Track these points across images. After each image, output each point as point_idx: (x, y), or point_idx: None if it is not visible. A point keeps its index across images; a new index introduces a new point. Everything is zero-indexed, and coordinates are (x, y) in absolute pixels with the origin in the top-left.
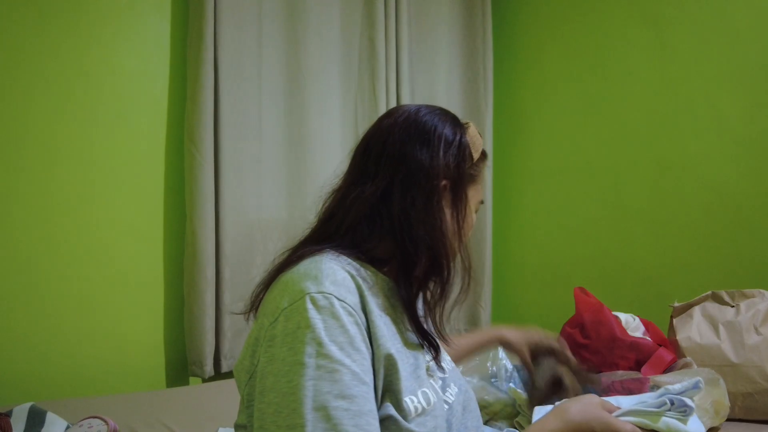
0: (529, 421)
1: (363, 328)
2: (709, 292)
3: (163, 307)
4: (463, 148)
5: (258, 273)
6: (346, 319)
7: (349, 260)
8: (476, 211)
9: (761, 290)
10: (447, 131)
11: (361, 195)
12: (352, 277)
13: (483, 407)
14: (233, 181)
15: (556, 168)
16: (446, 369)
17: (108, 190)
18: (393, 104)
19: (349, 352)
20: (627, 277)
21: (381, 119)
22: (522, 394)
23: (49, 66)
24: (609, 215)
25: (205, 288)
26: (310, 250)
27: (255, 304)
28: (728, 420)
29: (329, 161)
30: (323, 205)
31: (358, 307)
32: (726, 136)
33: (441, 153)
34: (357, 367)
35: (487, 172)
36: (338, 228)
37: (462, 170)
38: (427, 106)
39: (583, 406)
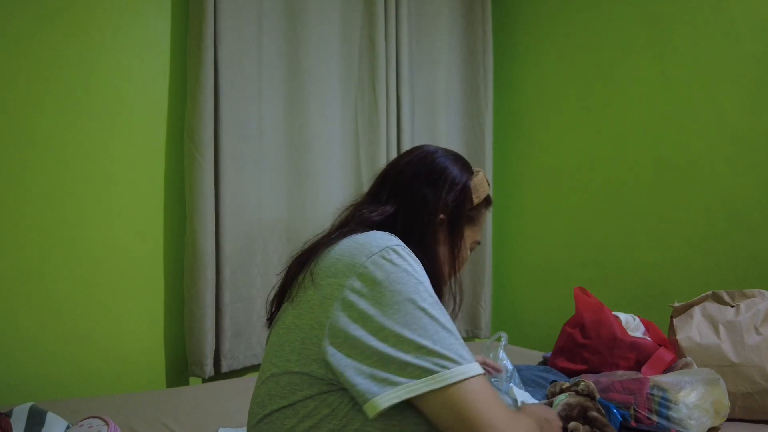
0: None
1: None
2: (709, 292)
3: (163, 307)
4: (465, 191)
5: (258, 273)
6: (422, 268)
7: None
8: (471, 250)
9: (761, 290)
10: (455, 174)
11: (370, 215)
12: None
13: None
14: (233, 181)
15: (556, 168)
16: None
17: (108, 190)
18: (393, 104)
19: (431, 289)
20: (627, 277)
21: (403, 155)
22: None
23: (49, 66)
24: (609, 215)
25: (205, 288)
26: (350, 230)
27: (290, 282)
28: (728, 420)
29: (329, 161)
30: (338, 216)
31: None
32: (726, 136)
33: (444, 192)
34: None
35: (488, 216)
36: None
37: (461, 210)
38: (445, 151)
39: (537, 407)
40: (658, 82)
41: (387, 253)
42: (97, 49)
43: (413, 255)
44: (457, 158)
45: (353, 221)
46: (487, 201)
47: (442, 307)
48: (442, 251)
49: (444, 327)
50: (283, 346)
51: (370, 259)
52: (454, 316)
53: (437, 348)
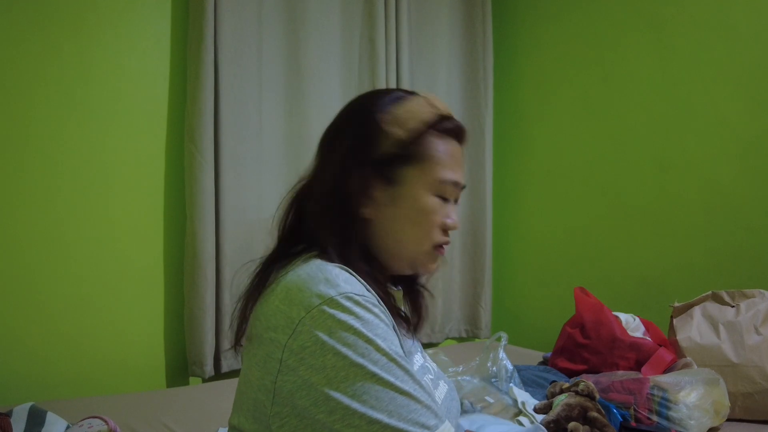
0: (532, 421)
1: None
2: (709, 292)
3: (163, 307)
4: (374, 129)
5: None
6: (377, 310)
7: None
8: (447, 198)
9: (761, 290)
10: (366, 113)
11: (296, 190)
12: (352, 275)
13: (484, 407)
14: (233, 181)
15: (556, 168)
16: (432, 369)
17: (108, 190)
18: None
19: (391, 341)
20: (627, 278)
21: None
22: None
23: (50, 66)
24: (609, 215)
25: (205, 288)
26: (295, 257)
27: (245, 317)
28: (728, 420)
29: None
30: (284, 213)
31: (376, 299)
32: (726, 136)
33: (349, 142)
34: (401, 353)
35: (453, 147)
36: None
37: (367, 153)
38: (373, 91)
39: None
40: (658, 82)
41: (328, 306)
42: (97, 48)
43: (365, 296)
44: (382, 93)
45: (285, 226)
46: (438, 126)
47: (401, 361)
48: (390, 222)
49: (401, 392)
50: (242, 396)
51: (310, 314)
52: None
53: (393, 422)
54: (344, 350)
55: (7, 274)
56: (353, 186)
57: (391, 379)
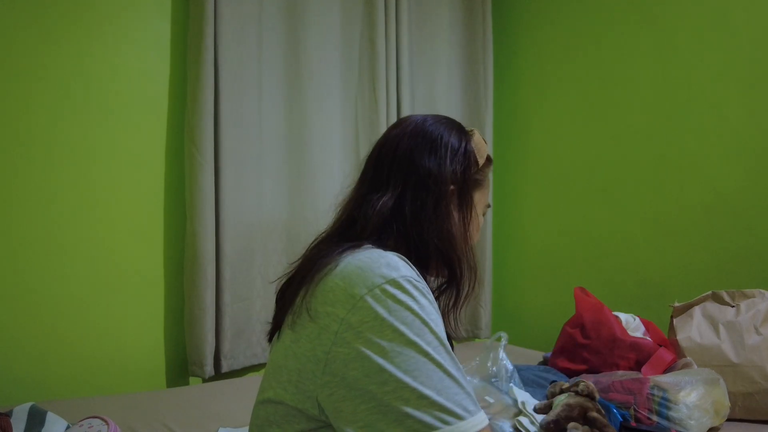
0: (532, 422)
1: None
2: (709, 292)
3: (163, 307)
4: (468, 155)
5: (258, 273)
6: (430, 298)
7: None
8: (483, 215)
9: (761, 290)
10: (453, 139)
11: (378, 202)
12: (408, 263)
13: (484, 407)
14: (233, 181)
15: (556, 168)
16: None
17: (108, 190)
18: (393, 104)
19: (441, 328)
20: (627, 278)
21: (389, 130)
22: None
23: (50, 66)
24: (609, 215)
25: (205, 288)
26: (353, 245)
27: (289, 301)
28: (728, 420)
29: (329, 161)
30: (341, 210)
31: (428, 288)
32: (726, 136)
33: (448, 160)
34: (447, 341)
35: (491, 176)
36: (361, 233)
37: (467, 176)
38: (434, 116)
39: None
40: (658, 82)
41: (390, 286)
42: (98, 49)
43: (422, 283)
44: (450, 122)
45: (363, 216)
46: (488, 160)
47: (449, 348)
48: (456, 223)
49: (449, 375)
50: (281, 370)
51: (372, 292)
52: (471, 288)
53: (440, 400)
54: (402, 328)
55: (7, 274)
56: (444, 190)
57: (441, 361)
